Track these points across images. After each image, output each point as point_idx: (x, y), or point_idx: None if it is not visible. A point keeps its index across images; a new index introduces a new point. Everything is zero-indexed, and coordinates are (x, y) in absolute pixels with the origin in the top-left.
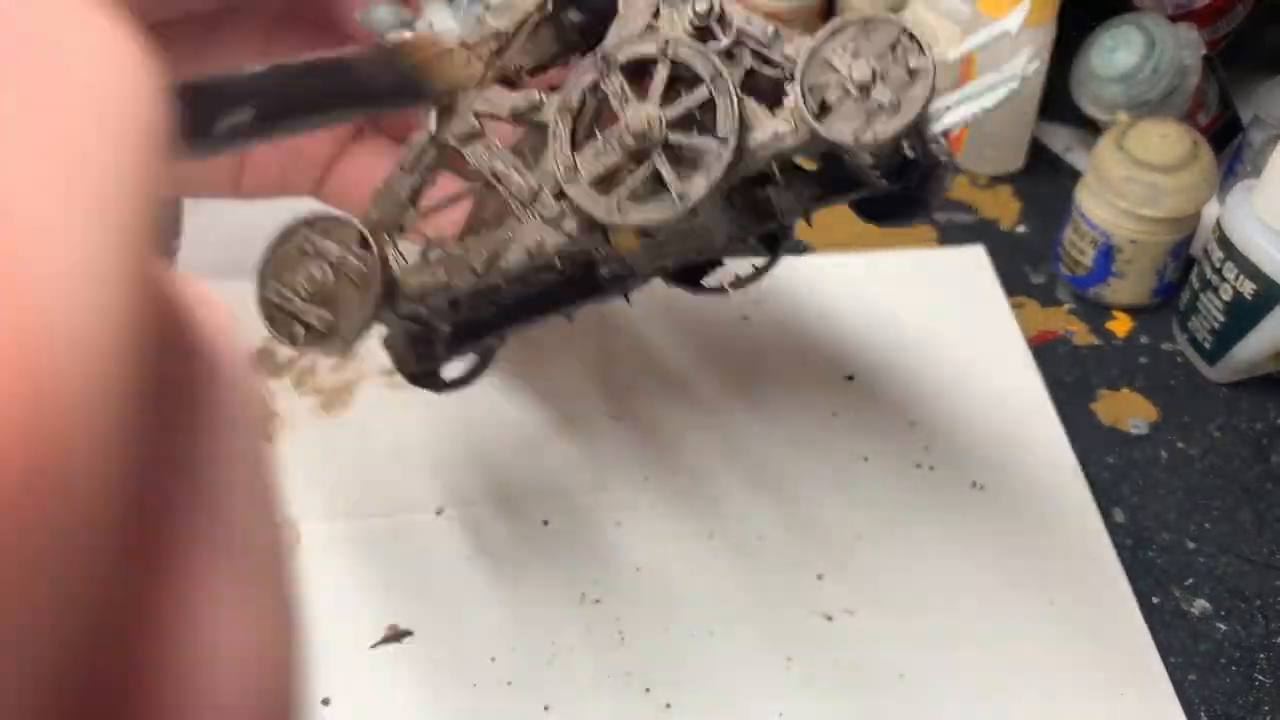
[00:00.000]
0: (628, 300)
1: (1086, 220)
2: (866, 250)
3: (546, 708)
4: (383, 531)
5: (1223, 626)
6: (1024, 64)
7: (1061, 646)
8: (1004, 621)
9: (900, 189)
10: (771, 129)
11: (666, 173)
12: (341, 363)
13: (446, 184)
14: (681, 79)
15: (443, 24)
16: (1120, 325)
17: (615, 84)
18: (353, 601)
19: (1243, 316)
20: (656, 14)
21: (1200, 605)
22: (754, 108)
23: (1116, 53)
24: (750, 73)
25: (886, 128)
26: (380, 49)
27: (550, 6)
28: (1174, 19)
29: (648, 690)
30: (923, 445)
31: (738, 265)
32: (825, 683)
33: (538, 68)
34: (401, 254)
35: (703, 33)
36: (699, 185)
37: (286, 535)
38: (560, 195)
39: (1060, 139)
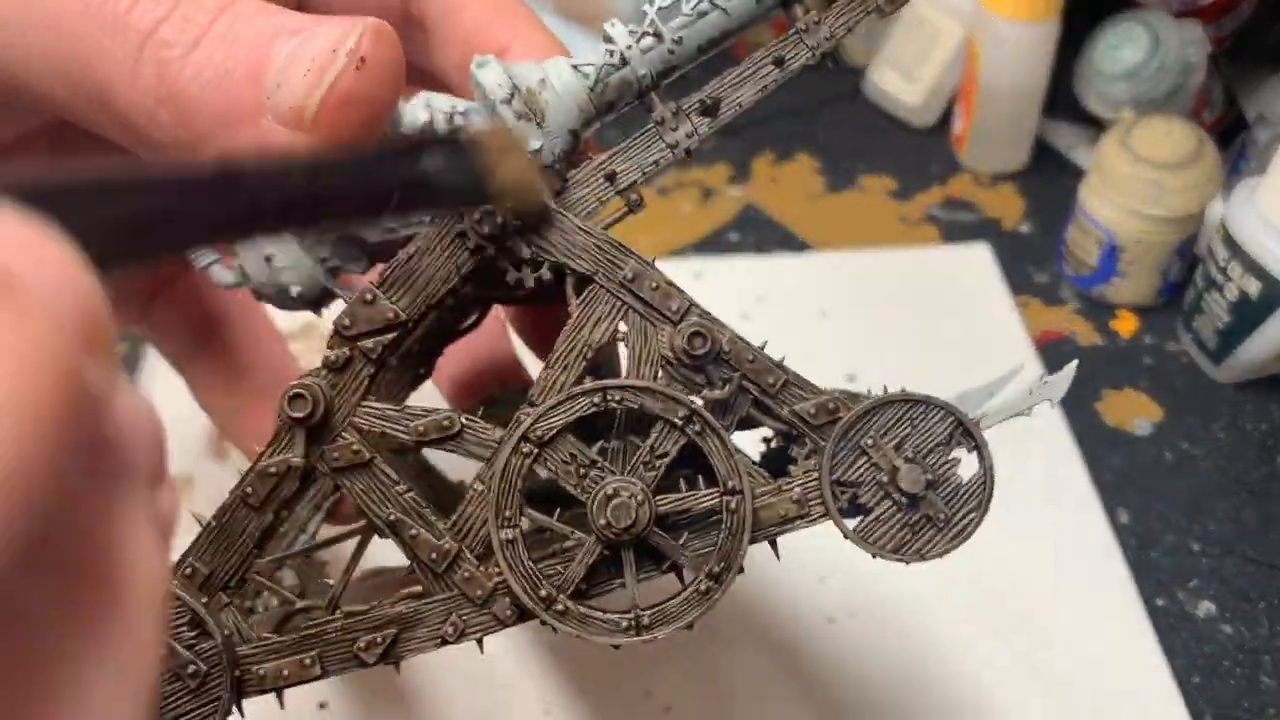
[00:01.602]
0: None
1: (1090, 219)
2: (869, 248)
3: (547, 710)
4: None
5: (1227, 628)
6: (1064, 385)
7: (1065, 649)
8: (1007, 623)
9: None
10: (780, 512)
11: (630, 581)
12: None
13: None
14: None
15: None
16: (1125, 325)
17: (583, 455)
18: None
19: (1248, 316)
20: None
21: (1205, 607)
22: (754, 480)
23: (1121, 50)
24: (743, 420)
25: (935, 548)
26: (453, 140)
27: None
28: (1179, 16)
29: (648, 694)
30: None
31: None
32: (826, 684)
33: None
34: (245, 621)
35: (692, 367)
36: (665, 623)
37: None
38: (485, 556)
39: (1064, 137)
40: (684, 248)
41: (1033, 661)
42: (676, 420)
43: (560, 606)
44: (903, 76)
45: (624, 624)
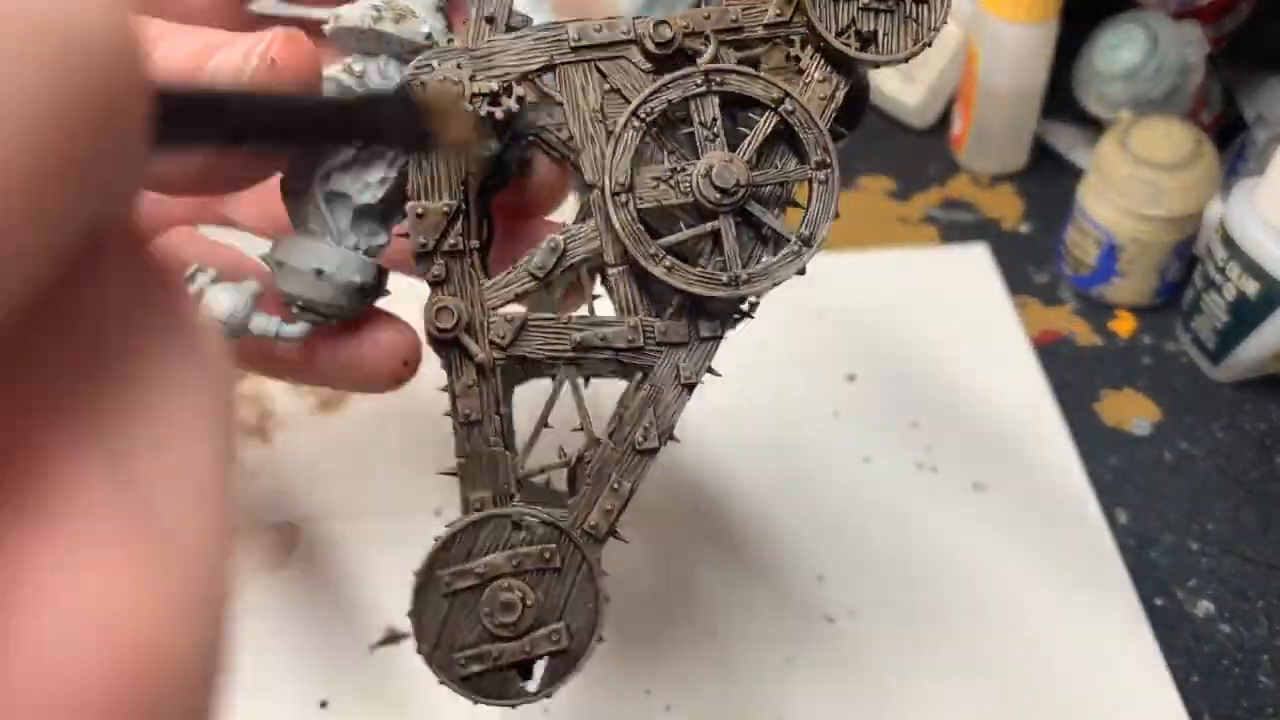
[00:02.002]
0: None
1: (1089, 219)
2: (868, 249)
3: (546, 709)
4: (383, 531)
5: (1226, 628)
6: None
7: (1064, 648)
8: (1006, 623)
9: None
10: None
11: (729, 244)
12: None
13: None
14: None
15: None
16: (1123, 325)
17: (709, 111)
18: (351, 603)
19: (1246, 316)
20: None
21: (1204, 607)
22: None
23: (1120, 51)
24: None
25: (925, 33)
26: (405, 97)
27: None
28: (1177, 17)
29: (648, 692)
30: (925, 445)
31: None
32: (826, 684)
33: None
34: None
35: (662, 60)
36: (762, 279)
37: (226, 540)
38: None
39: (1063, 137)
40: None
41: (1031, 661)
42: (770, 101)
43: (667, 263)
44: (901, 77)
45: (724, 279)
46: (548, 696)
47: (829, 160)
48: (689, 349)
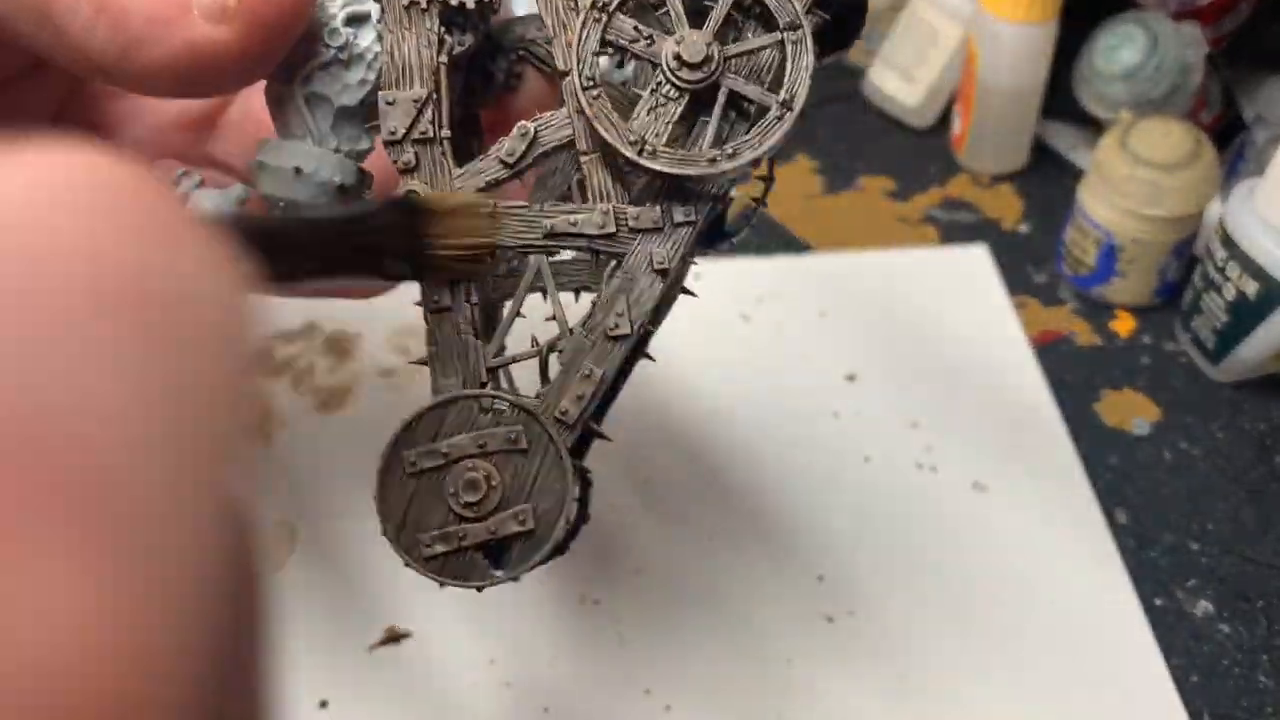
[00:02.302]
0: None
1: (1089, 219)
2: (868, 249)
3: (546, 709)
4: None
5: (1226, 628)
6: None
7: (1063, 648)
8: (1005, 622)
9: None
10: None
11: (714, 120)
12: (340, 363)
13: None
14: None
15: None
16: (1123, 325)
17: None
18: (351, 603)
19: (1246, 316)
20: None
21: (1203, 607)
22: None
23: (1119, 51)
24: None
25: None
26: (394, 207)
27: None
28: (1177, 17)
29: (647, 692)
30: (924, 446)
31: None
32: (826, 683)
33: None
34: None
35: None
36: (747, 149)
37: (227, 525)
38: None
39: (1063, 137)
40: None
41: (1030, 661)
42: (782, 22)
43: (650, 149)
44: (901, 77)
45: (709, 156)
46: (514, 579)
47: (798, 21)
48: (663, 235)
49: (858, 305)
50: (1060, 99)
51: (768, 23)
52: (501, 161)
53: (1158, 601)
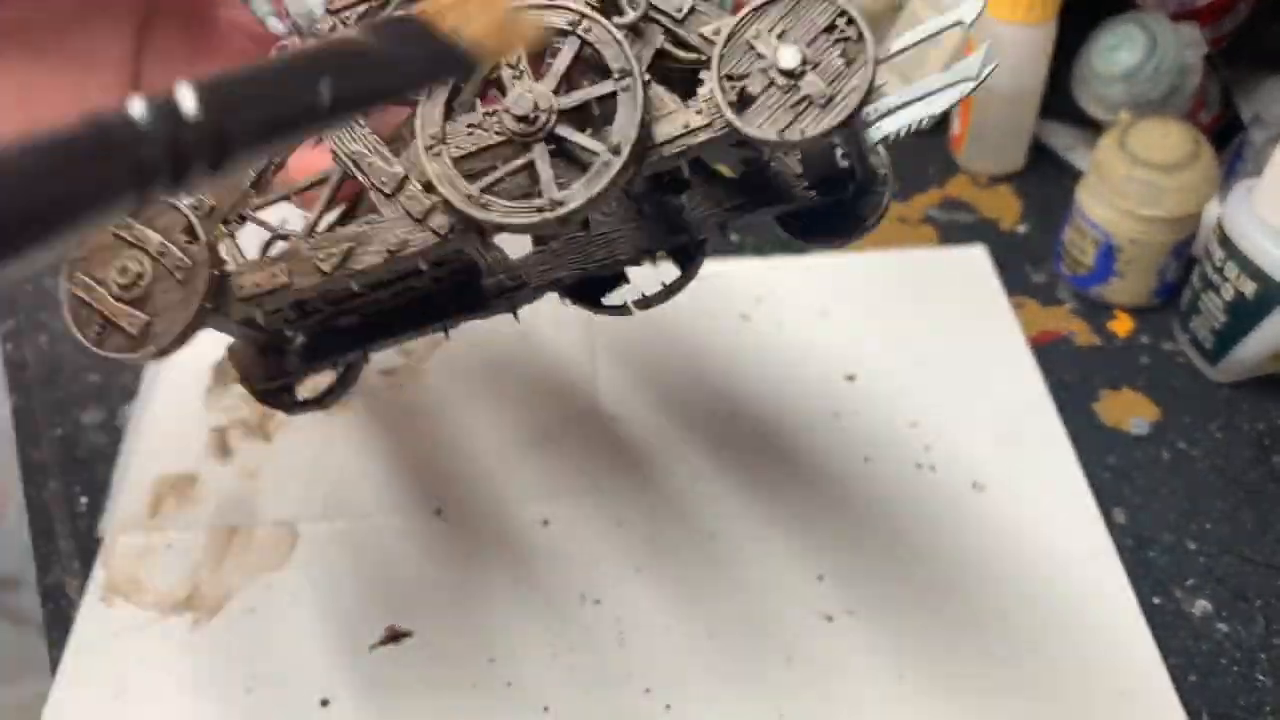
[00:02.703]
0: (515, 316)
1: (1087, 220)
2: (866, 250)
3: (546, 708)
4: (382, 532)
5: (1224, 627)
6: (979, 65)
7: (1062, 647)
8: (1004, 622)
9: (832, 203)
10: (682, 121)
11: (544, 171)
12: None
13: (314, 162)
14: (585, 62)
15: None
16: (1121, 325)
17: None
18: (352, 602)
19: (1244, 316)
20: None
21: (1201, 606)
22: (663, 95)
23: (1118, 52)
24: (661, 54)
25: (816, 125)
26: (397, 25)
27: None
28: (1176, 18)
29: (648, 690)
30: (923, 445)
31: (646, 281)
32: (825, 683)
33: None
34: (239, 248)
35: (606, 3)
36: (578, 195)
37: None
38: (430, 187)
39: (1061, 138)
40: None
41: (1029, 660)
42: (565, 25)
43: (483, 201)
44: (900, 78)
45: (539, 206)
46: (104, 357)
47: (629, 68)
48: (416, 228)
49: (857, 305)
50: (1059, 100)
51: (604, 72)
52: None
53: (1156, 601)
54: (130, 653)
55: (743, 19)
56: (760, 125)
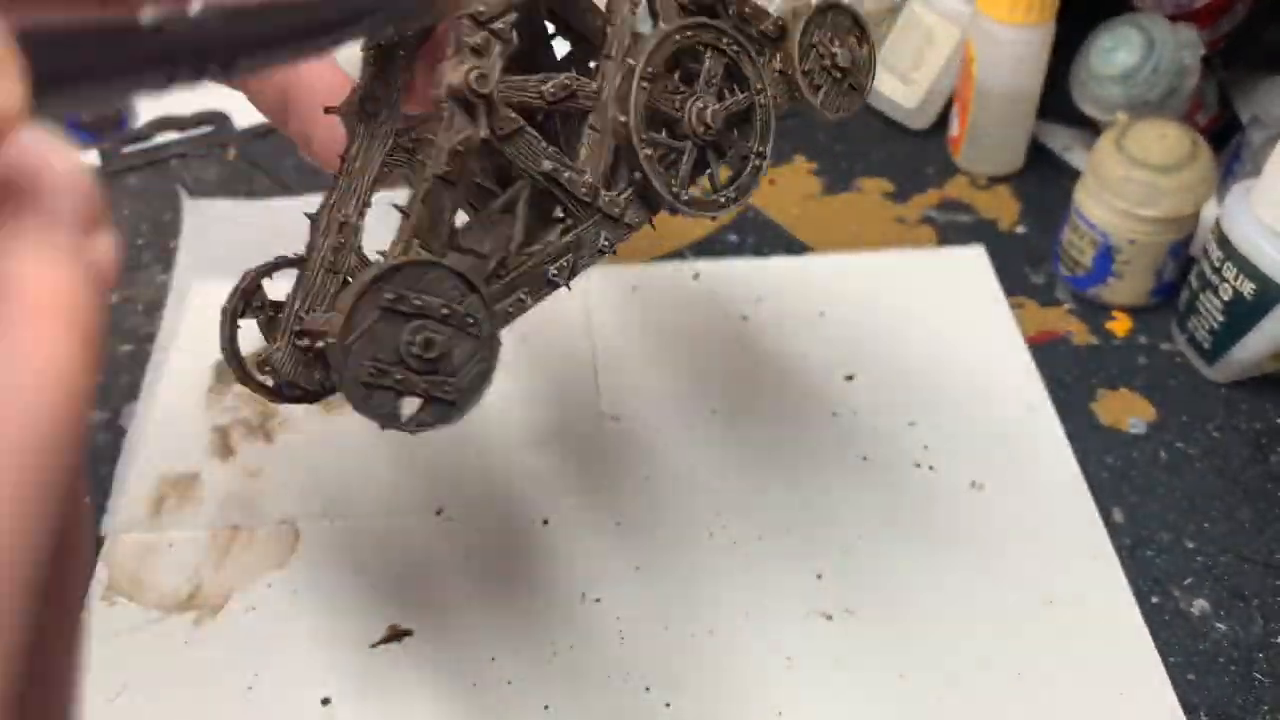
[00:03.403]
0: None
1: (1085, 220)
2: (866, 250)
3: (546, 707)
4: (383, 531)
5: (1222, 626)
6: None
7: (1061, 646)
8: (1003, 621)
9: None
10: (777, 97)
11: (716, 167)
12: None
13: None
14: (694, 73)
15: None
16: (1119, 325)
17: (717, 66)
18: (353, 601)
19: (1242, 316)
20: None
21: (1199, 605)
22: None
23: (1116, 53)
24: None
25: (855, 103)
26: None
27: None
28: (1173, 19)
29: (647, 690)
30: (922, 445)
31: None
32: (825, 682)
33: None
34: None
35: (696, 9)
36: (747, 186)
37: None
38: (611, 186)
39: (1059, 139)
40: (683, 249)
41: (1027, 659)
42: (722, 44)
43: (685, 197)
44: (899, 79)
45: (722, 200)
46: (412, 431)
47: (764, 86)
48: (615, 224)
49: (856, 306)
50: (1057, 101)
51: (741, 83)
52: (541, 94)
53: (1154, 600)
54: (132, 651)
55: (804, 24)
56: (831, 108)
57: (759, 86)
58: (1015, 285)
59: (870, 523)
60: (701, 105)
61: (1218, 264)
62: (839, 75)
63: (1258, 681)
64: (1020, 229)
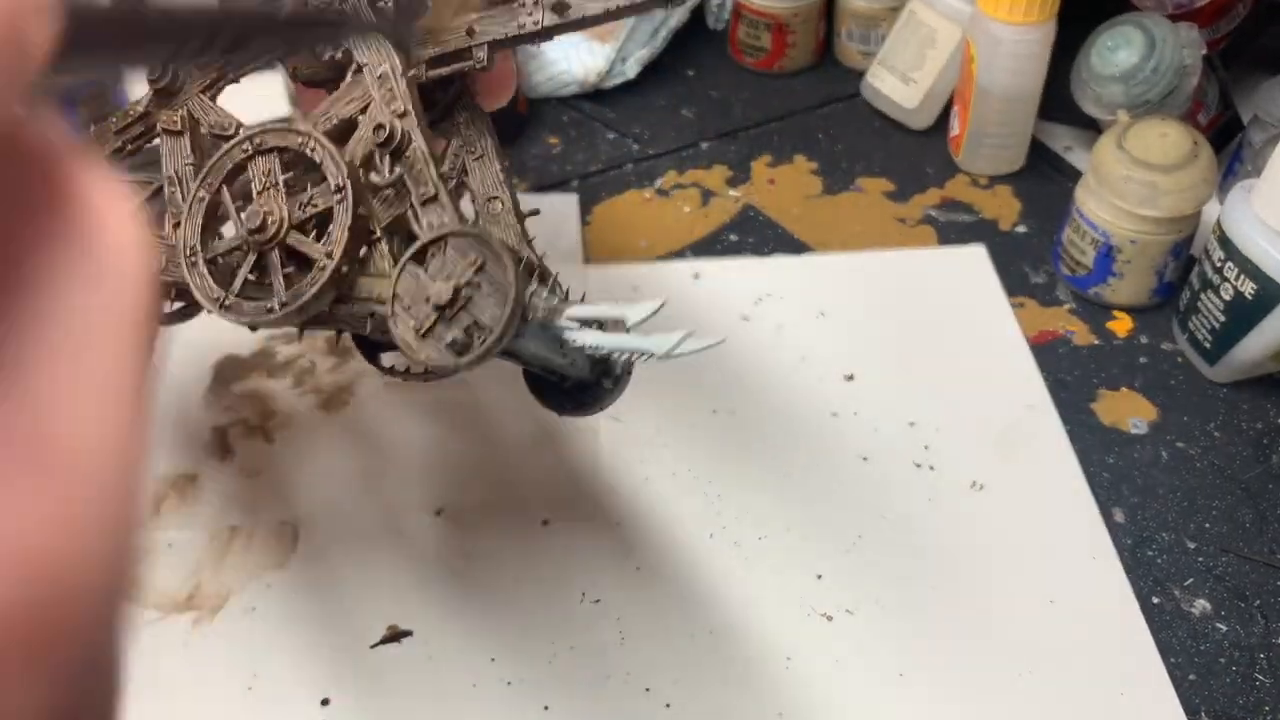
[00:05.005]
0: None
1: (1086, 220)
2: (867, 250)
3: (546, 707)
4: (383, 531)
5: (1223, 626)
6: (672, 344)
7: (1061, 646)
8: (1004, 621)
9: (570, 385)
10: (378, 291)
11: (276, 275)
12: (341, 362)
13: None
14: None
15: None
16: (1120, 325)
17: (264, 166)
18: (352, 601)
19: (1243, 316)
20: (364, 109)
21: (1200, 605)
22: (385, 252)
23: (1117, 52)
24: (401, 218)
25: (472, 355)
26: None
27: None
28: (1174, 19)
29: (647, 690)
30: (922, 445)
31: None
32: (825, 683)
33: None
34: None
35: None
36: (302, 293)
37: (135, 450)
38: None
39: (1060, 138)
40: (683, 249)
41: (1027, 659)
42: (296, 145)
43: (228, 303)
44: (900, 79)
45: (269, 307)
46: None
47: (344, 185)
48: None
49: (857, 305)
50: (1058, 100)
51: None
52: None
53: (1155, 600)
54: (131, 651)
55: (411, 255)
56: (423, 353)
57: (338, 184)
58: (1016, 285)
59: (871, 523)
60: (263, 206)
61: (1219, 264)
62: (440, 312)
63: (1259, 682)
64: (1021, 229)
